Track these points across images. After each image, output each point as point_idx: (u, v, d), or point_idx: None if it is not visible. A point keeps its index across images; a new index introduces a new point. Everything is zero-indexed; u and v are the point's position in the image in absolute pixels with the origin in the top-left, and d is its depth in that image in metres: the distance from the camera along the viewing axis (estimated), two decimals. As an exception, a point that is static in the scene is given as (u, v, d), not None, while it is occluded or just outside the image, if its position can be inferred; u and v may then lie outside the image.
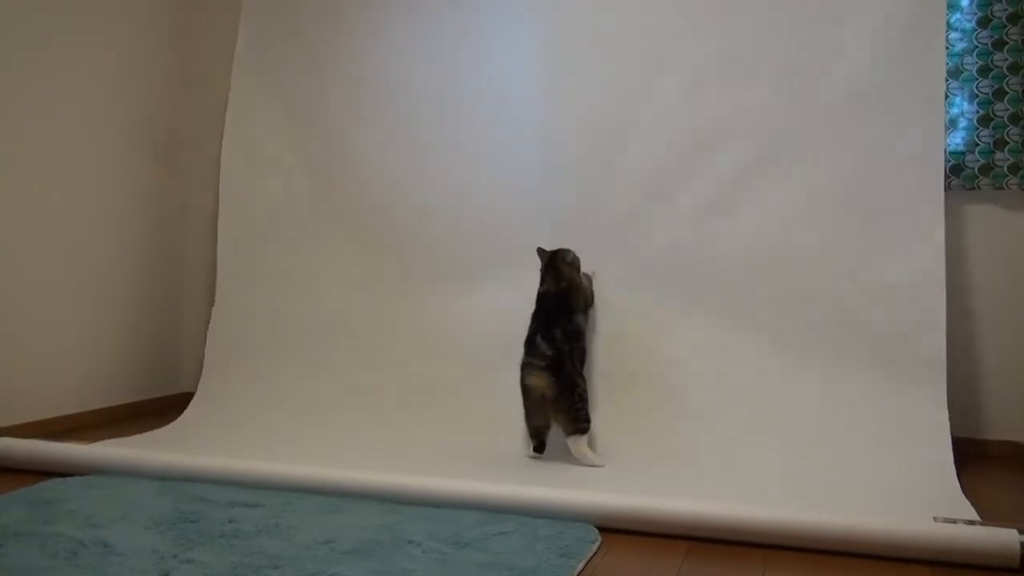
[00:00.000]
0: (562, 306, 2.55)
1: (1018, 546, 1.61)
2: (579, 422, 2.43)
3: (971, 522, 1.75)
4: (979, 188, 2.69)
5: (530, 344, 2.50)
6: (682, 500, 1.82)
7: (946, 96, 2.58)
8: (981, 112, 2.69)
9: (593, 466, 2.40)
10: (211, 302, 3.15)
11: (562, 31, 2.87)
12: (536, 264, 2.64)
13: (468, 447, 2.57)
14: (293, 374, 2.96)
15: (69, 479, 2.08)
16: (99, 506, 1.85)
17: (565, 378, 2.44)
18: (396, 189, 3.00)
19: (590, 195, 2.79)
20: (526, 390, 2.48)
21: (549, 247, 2.64)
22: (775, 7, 2.67)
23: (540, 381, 2.45)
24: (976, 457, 2.60)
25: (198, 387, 3.04)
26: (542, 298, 2.59)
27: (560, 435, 2.49)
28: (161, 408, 3.13)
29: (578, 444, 2.43)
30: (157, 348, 3.24)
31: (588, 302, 2.68)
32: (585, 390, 2.48)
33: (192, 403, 2.99)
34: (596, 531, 1.76)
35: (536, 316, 2.56)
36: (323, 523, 1.77)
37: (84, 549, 1.58)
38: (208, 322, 3.13)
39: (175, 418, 2.89)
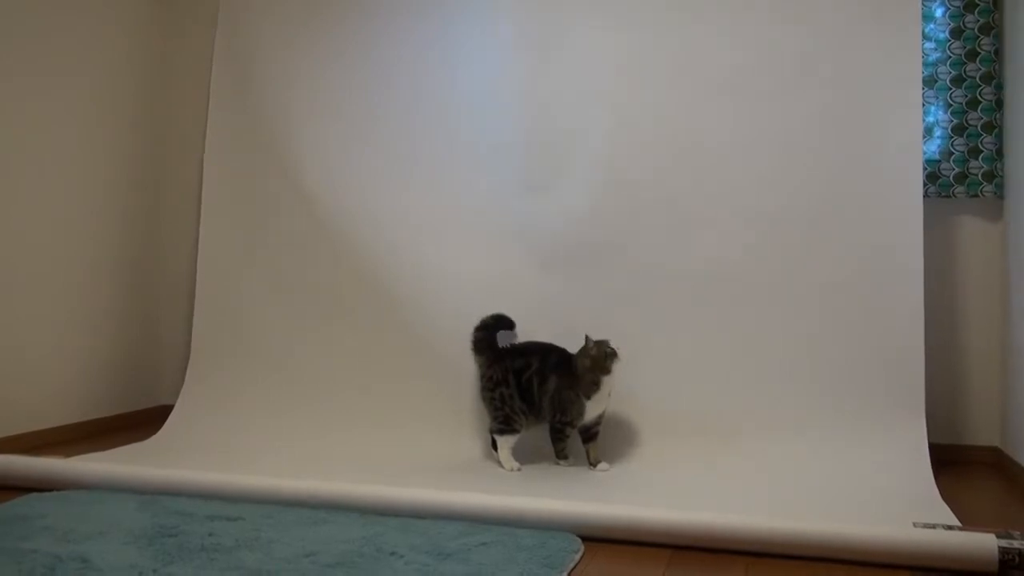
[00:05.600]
0: (563, 364, 2.50)
1: (996, 551, 1.62)
2: (493, 420, 2.53)
3: (950, 527, 1.77)
4: (954, 196, 2.72)
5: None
6: (664, 509, 1.82)
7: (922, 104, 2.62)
8: (955, 121, 2.72)
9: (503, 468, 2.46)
10: (190, 315, 3.12)
11: (544, 40, 2.88)
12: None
13: (451, 458, 2.57)
14: (273, 388, 2.95)
15: (46, 494, 2.06)
16: (77, 521, 1.83)
17: (496, 373, 2.52)
18: (376, 201, 2.98)
19: (574, 209, 2.79)
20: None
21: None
22: (749, 18, 2.69)
23: (478, 361, 2.61)
24: (956, 462, 2.62)
25: (177, 400, 3.02)
26: (556, 351, 2.55)
27: (537, 445, 2.49)
28: (139, 421, 3.11)
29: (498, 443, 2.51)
30: (135, 361, 3.21)
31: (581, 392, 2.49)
32: (506, 401, 2.49)
33: (171, 416, 2.96)
34: (579, 540, 1.76)
35: (538, 346, 2.56)
36: (304, 536, 1.76)
37: (62, 565, 1.56)
38: (187, 335, 3.11)
39: (154, 431, 2.87)
